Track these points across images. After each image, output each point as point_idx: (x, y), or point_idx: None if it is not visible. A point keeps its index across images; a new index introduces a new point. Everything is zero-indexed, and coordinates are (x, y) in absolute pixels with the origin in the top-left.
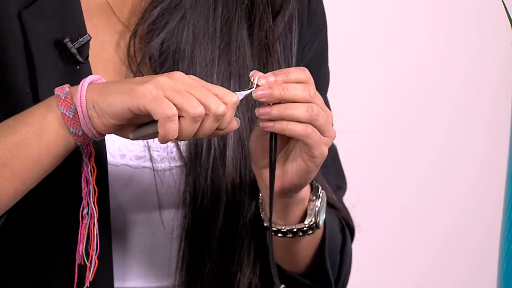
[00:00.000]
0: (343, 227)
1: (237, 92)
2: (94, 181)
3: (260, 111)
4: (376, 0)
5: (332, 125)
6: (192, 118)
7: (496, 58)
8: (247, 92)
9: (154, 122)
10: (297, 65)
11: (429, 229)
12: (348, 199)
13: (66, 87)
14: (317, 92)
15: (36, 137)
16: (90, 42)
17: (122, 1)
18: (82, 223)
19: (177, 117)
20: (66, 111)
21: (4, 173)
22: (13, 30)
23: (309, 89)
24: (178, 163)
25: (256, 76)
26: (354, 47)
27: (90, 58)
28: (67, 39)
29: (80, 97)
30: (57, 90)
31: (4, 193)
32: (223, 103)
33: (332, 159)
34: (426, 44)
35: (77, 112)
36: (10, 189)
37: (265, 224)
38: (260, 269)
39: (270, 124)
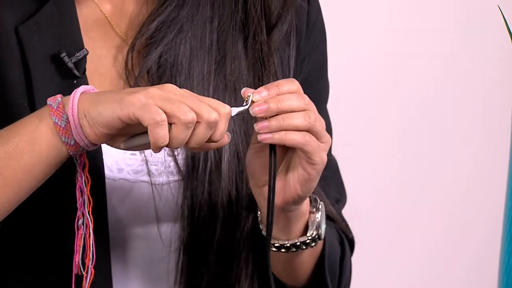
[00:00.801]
0: (342, 240)
1: (231, 108)
2: (88, 191)
3: (259, 126)
4: (372, 19)
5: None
6: (184, 124)
7: (495, 62)
8: (241, 109)
9: (146, 132)
10: (296, 78)
11: (427, 240)
12: (346, 212)
13: (59, 97)
14: (310, 100)
15: (29, 147)
16: (88, 56)
17: (119, 15)
18: (77, 233)
19: (166, 122)
20: (58, 120)
21: None
22: (10, 45)
23: (303, 98)
24: (176, 177)
25: (249, 93)
26: (350, 59)
27: (87, 72)
28: (64, 54)
29: (72, 106)
30: (50, 100)
31: None
32: (214, 107)
33: (333, 172)
34: (421, 57)
35: (69, 122)
36: (4, 199)
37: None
38: (259, 281)
39: (269, 136)
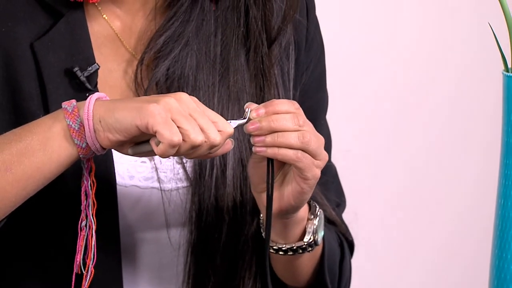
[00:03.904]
0: (341, 242)
1: (231, 121)
2: (93, 195)
3: (255, 139)
4: (370, 27)
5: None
6: (192, 145)
7: (485, 74)
8: (240, 122)
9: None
10: (295, 90)
11: (425, 243)
12: (345, 216)
13: (73, 101)
14: (307, 121)
15: (40, 146)
16: (99, 70)
17: (129, 32)
18: (80, 234)
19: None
20: (72, 123)
21: (7, 177)
22: (26, 60)
23: (298, 119)
24: (184, 184)
25: (249, 108)
26: (347, 66)
27: (98, 85)
28: (77, 68)
29: (88, 110)
30: (65, 104)
31: (6, 197)
32: (220, 131)
33: (333, 178)
34: (417, 65)
35: (83, 125)
36: (12, 193)
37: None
38: (261, 282)
39: (263, 149)
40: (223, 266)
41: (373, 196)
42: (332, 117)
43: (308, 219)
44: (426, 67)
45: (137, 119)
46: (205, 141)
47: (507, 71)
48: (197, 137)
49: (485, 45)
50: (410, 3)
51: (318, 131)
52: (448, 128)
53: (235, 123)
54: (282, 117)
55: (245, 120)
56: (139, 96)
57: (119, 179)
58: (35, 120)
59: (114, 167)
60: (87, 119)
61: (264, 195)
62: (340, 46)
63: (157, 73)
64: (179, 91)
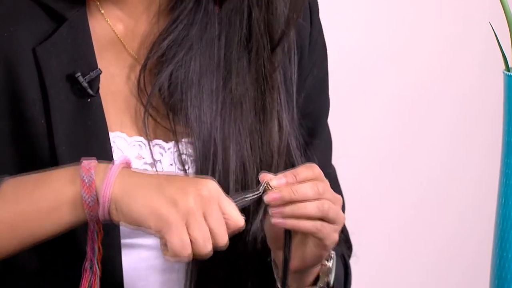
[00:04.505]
0: (342, 254)
1: (245, 197)
2: (99, 242)
3: (273, 211)
4: (371, 29)
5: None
6: (198, 253)
7: (487, 75)
8: (256, 195)
9: None
10: (298, 94)
11: (426, 243)
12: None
13: (92, 169)
14: (327, 186)
15: (50, 212)
16: (101, 75)
17: (131, 35)
18: (84, 275)
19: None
20: (88, 197)
21: (8, 235)
22: (28, 65)
23: (318, 187)
24: None
25: (266, 180)
26: (352, 74)
27: (100, 91)
28: (79, 74)
29: (104, 193)
30: (83, 171)
31: (3, 250)
32: (231, 223)
33: (333, 182)
34: (417, 64)
35: (98, 201)
36: (10, 248)
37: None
38: (263, 285)
39: (282, 220)
40: (224, 271)
41: (372, 196)
42: (333, 119)
43: (322, 264)
44: (427, 67)
45: (151, 222)
46: (211, 247)
47: (508, 70)
48: (205, 248)
49: (486, 44)
50: (411, 3)
51: (319, 134)
52: (449, 127)
53: (249, 198)
54: (302, 187)
55: (259, 193)
56: (143, 103)
57: None
58: (49, 176)
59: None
60: (103, 201)
61: (280, 253)
62: (342, 49)
63: (160, 78)
64: (182, 96)
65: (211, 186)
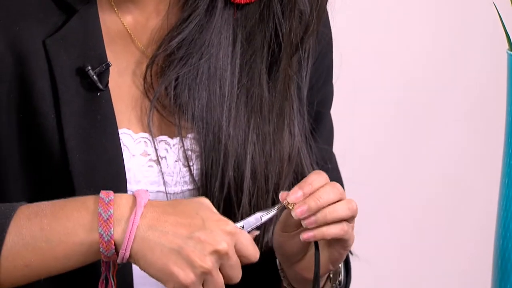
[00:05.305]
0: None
1: (262, 217)
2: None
3: (307, 221)
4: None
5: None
6: None
7: (490, 59)
8: (272, 214)
9: None
10: (310, 83)
11: (421, 239)
12: None
13: (111, 223)
14: (340, 186)
15: (65, 255)
16: (110, 68)
17: (141, 29)
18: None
19: None
20: (106, 252)
21: (23, 271)
22: (38, 58)
23: (337, 187)
24: (190, 187)
25: (284, 197)
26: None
27: (109, 85)
28: (89, 67)
29: (123, 249)
30: (101, 225)
31: (16, 283)
32: (246, 261)
33: (335, 174)
34: (419, 45)
35: (116, 254)
36: (23, 281)
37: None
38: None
39: (311, 234)
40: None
41: (370, 190)
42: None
43: None
44: (430, 48)
45: (169, 284)
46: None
47: None
48: None
49: (490, 24)
50: None
51: (323, 124)
52: (449, 110)
53: (265, 217)
54: (324, 192)
55: (275, 209)
56: (149, 99)
57: (127, 185)
58: (65, 213)
59: (125, 174)
60: (121, 256)
61: (299, 265)
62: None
63: (168, 77)
64: (189, 99)
65: (229, 228)
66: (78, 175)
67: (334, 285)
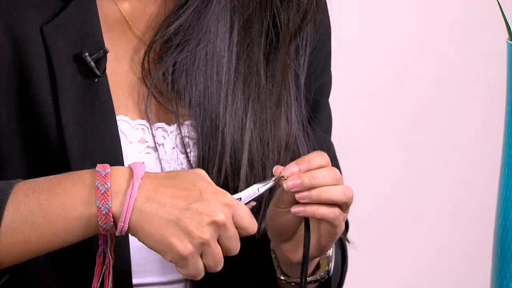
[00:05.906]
0: (341, 242)
1: (259, 189)
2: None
3: (300, 195)
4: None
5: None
6: (211, 272)
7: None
8: (270, 185)
9: None
10: (305, 85)
11: (422, 240)
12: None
13: (109, 196)
14: (339, 172)
15: (63, 230)
16: (107, 55)
17: (138, 15)
18: (97, 261)
19: None
20: (105, 225)
21: (22, 247)
22: (36, 45)
23: (335, 172)
24: None
25: (280, 171)
26: (351, 60)
27: (106, 71)
28: (86, 54)
29: (121, 222)
30: (99, 198)
31: (16, 259)
32: (244, 233)
33: (333, 162)
34: (419, 30)
35: (115, 226)
36: (22, 258)
37: (281, 277)
38: (264, 283)
39: (302, 209)
40: (226, 265)
41: (370, 193)
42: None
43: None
44: (429, 34)
45: (167, 255)
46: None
47: None
48: (217, 268)
49: (489, 14)
50: None
51: (321, 112)
52: (449, 97)
53: (262, 188)
54: (320, 172)
55: (271, 181)
56: (147, 85)
57: None
58: (63, 187)
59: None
60: (120, 229)
61: (283, 245)
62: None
63: (166, 63)
64: (186, 84)
65: (226, 199)
66: (76, 162)
67: (322, 274)
